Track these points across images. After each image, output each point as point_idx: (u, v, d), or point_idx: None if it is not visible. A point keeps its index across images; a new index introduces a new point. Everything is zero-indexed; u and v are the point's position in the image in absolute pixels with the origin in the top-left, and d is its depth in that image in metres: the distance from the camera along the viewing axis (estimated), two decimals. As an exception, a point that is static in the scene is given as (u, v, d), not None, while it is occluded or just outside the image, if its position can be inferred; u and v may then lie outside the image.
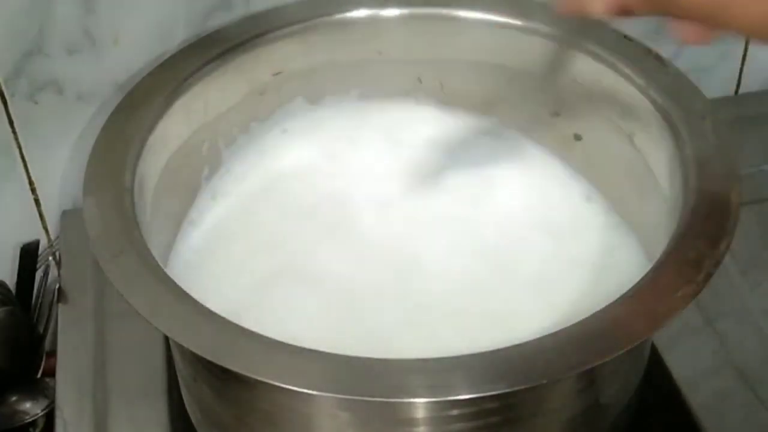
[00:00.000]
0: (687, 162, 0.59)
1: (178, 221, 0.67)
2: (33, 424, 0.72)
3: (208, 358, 0.49)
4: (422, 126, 0.74)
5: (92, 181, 0.59)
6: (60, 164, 0.76)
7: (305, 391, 0.48)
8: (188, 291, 0.53)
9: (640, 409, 0.62)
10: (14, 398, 0.73)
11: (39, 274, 0.78)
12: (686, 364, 0.65)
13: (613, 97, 0.66)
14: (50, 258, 0.79)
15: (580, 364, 0.49)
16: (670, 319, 0.50)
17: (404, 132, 0.74)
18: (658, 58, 0.65)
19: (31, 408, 0.72)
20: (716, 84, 0.87)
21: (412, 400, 0.49)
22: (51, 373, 0.72)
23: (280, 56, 0.69)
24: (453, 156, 0.74)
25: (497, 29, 0.69)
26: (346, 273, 0.66)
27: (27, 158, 0.75)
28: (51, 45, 0.71)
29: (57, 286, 0.73)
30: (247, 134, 0.71)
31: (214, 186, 0.70)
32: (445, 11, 0.70)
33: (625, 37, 0.66)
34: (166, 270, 0.55)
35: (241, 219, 0.69)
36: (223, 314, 0.51)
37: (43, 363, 0.75)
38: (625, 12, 0.50)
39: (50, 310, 0.76)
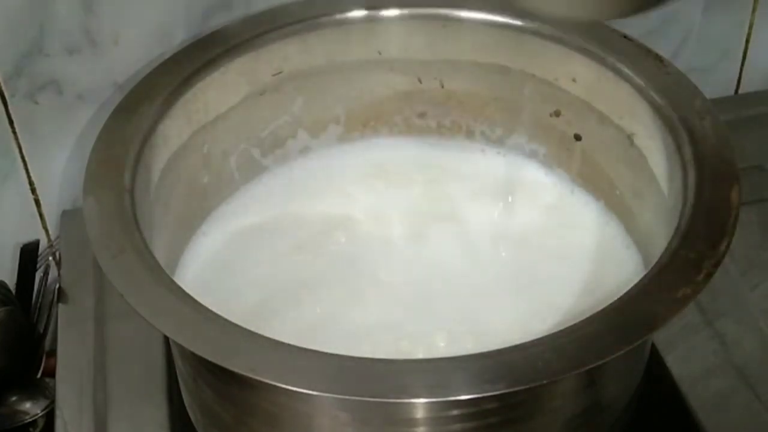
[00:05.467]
0: (687, 162, 0.59)
1: (180, 223, 0.67)
2: (33, 424, 0.72)
3: (209, 358, 0.49)
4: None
5: (92, 181, 0.59)
6: (60, 164, 0.76)
7: (305, 391, 0.48)
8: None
9: (640, 409, 0.62)
10: (14, 398, 0.73)
11: (39, 274, 0.78)
12: (686, 364, 0.65)
13: (613, 97, 0.66)
14: (50, 258, 0.79)
15: (580, 364, 0.49)
16: (670, 319, 0.50)
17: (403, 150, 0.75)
18: (658, 58, 0.65)
19: (31, 408, 0.72)
20: (716, 84, 0.87)
21: (412, 400, 0.49)
22: (51, 373, 0.72)
23: (280, 56, 0.69)
24: (453, 162, 0.74)
25: (497, 29, 0.69)
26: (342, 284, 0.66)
27: (27, 158, 0.75)
28: (51, 45, 0.71)
29: (57, 286, 0.73)
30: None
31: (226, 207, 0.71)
32: (445, 11, 0.70)
33: (625, 37, 0.66)
34: (173, 276, 0.55)
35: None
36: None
37: (43, 363, 0.75)
38: None
39: (50, 310, 0.76)
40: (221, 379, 0.55)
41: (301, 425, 0.54)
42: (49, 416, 0.71)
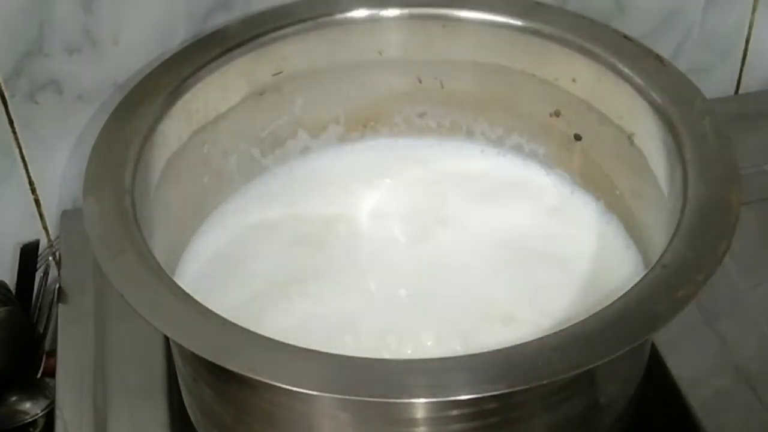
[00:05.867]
0: (687, 162, 0.59)
1: (180, 223, 0.67)
2: (33, 424, 0.72)
3: (208, 358, 0.49)
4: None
5: (92, 181, 0.59)
6: (60, 164, 0.76)
7: (305, 391, 0.48)
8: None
9: (640, 409, 0.62)
10: (14, 398, 0.73)
11: (39, 274, 0.78)
12: (686, 364, 0.65)
13: (613, 97, 0.66)
14: (50, 258, 0.79)
15: (580, 364, 0.49)
16: (670, 319, 0.50)
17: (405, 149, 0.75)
18: (658, 58, 0.65)
19: (31, 408, 0.72)
20: (716, 84, 0.87)
21: (412, 400, 0.49)
22: (51, 373, 0.72)
23: (280, 56, 0.69)
24: (453, 162, 0.74)
25: (497, 29, 0.69)
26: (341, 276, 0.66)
27: (27, 158, 0.75)
28: (51, 45, 0.71)
29: (57, 286, 0.73)
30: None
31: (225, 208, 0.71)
32: (445, 11, 0.70)
33: (625, 37, 0.66)
34: (173, 276, 0.55)
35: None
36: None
37: (43, 363, 0.75)
38: None
39: (50, 310, 0.76)
40: (221, 379, 0.55)
41: (301, 425, 0.54)
42: (49, 416, 0.71)
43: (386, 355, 0.60)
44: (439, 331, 0.62)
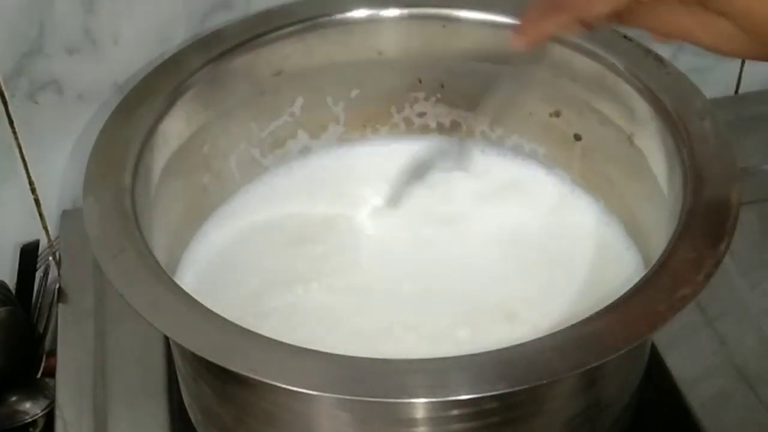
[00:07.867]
0: (687, 162, 0.59)
1: (180, 223, 0.67)
2: (33, 424, 0.72)
3: (208, 358, 0.49)
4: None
5: (92, 181, 0.59)
6: (60, 164, 0.76)
7: (305, 391, 0.48)
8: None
9: (640, 409, 0.62)
10: (14, 398, 0.73)
11: (39, 274, 0.78)
12: (686, 364, 0.65)
13: (613, 97, 0.66)
14: (50, 258, 0.79)
15: (580, 364, 0.49)
16: (670, 319, 0.50)
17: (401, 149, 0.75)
18: (658, 58, 0.65)
19: (31, 408, 0.72)
20: (716, 84, 0.86)
21: (412, 400, 0.49)
22: (51, 373, 0.72)
23: (280, 56, 0.69)
24: (455, 164, 0.74)
25: (497, 29, 0.69)
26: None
27: (27, 158, 0.75)
28: (51, 45, 0.71)
29: (57, 286, 0.73)
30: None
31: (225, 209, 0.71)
32: (445, 11, 0.70)
33: (625, 37, 0.66)
34: (173, 276, 0.55)
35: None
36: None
37: (43, 363, 0.75)
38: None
39: (50, 310, 0.76)
40: (221, 379, 0.55)
41: (301, 425, 0.54)
42: (49, 416, 0.71)
43: (391, 344, 0.60)
44: (442, 323, 0.62)
